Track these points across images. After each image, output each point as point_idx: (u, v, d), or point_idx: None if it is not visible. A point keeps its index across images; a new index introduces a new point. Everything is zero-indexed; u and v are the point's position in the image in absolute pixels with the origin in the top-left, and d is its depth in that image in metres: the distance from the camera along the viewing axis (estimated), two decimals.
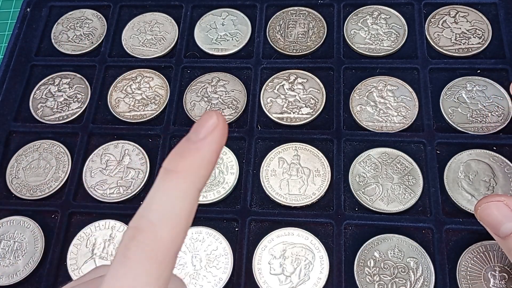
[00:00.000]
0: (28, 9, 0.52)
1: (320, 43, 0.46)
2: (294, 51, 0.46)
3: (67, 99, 0.46)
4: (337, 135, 0.41)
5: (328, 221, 0.38)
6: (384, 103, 0.43)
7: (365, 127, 0.42)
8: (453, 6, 0.47)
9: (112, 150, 0.43)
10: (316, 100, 0.44)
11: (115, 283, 0.17)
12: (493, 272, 0.35)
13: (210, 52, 0.47)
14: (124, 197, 0.41)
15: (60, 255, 0.39)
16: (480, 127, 0.41)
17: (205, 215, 0.40)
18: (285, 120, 0.43)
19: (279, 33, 0.47)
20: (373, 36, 0.46)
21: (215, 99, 0.45)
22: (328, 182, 0.40)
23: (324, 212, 0.39)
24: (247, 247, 0.38)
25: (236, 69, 0.46)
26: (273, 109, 0.44)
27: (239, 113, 0.44)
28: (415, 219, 0.38)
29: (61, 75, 0.48)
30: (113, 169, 0.42)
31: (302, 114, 0.43)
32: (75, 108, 0.46)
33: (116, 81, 0.47)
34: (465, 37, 0.45)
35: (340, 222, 0.38)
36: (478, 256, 0.36)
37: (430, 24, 0.46)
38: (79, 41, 0.50)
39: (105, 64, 0.48)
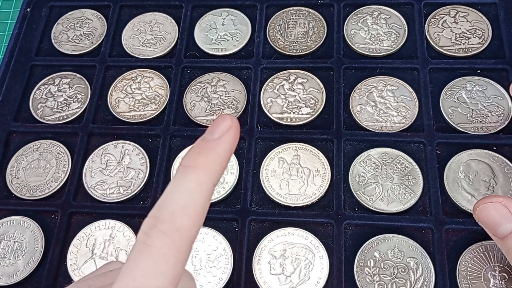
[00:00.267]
0: (28, 9, 0.52)
1: (320, 43, 0.46)
2: (294, 51, 0.46)
3: (67, 99, 0.46)
4: (337, 135, 0.41)
5: (328, 221, 0.38)
6: (384, 103, 0.43)
7: (365, 127, 0.42)
8: (453, 6, 0.47)
9: (112, 150, 0.43)
10: (316, 100, 0.44)
11: (137, 268, 0.18)
12: (493, 272, 0.35)
13: (210, 52, 0.47)
14: (124, 197, 0.41)
15: (60, 255, 0.39)
16: (480, 127, 0.41)
17: None
18: (285, 120, 0.43)
19: (279, 33, 0.47)
20: (373, 36, 0.46)
21: (215, 99, 0.45)
22: (328, 182, 0.40)
23: (324, 212, 0.39)
24: (247, 247, 0.38)
25: (236, 69, 0.46)
26: (273, 109, 0.44)
27: (239, 113, 0.44)
28: (415, 219, 0.38)
29: (61, 75, 0.48)
30: (113, 169, 0.42)
31: (302, 114, 0.43)
32: (75, 108, 0.46)
33: (116, 81, 0.47)
34: (465, 37, 0.45)
35: (340, 222, 0.38)
36: (478, 256, 0.36)
37: (430, 24, 0.46)
38: (79, 41, 0.50)
39: (105, 64, 0.48)
